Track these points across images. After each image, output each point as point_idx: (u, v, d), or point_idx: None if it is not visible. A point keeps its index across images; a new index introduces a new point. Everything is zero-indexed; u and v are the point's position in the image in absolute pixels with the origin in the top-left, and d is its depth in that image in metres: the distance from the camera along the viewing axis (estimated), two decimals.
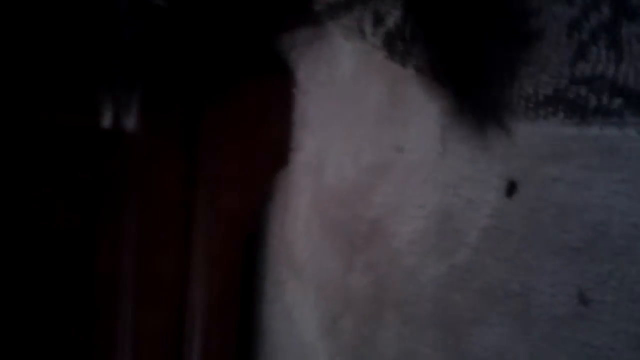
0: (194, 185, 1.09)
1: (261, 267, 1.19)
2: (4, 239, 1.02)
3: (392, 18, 0.81)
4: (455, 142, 0.77)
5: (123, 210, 1.05)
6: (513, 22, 0.66)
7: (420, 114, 0.84)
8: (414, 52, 0.79)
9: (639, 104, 0.54)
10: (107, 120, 0.98)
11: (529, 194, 0.66)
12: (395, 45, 0.81)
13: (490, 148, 0.70)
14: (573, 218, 0.61)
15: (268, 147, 1.15)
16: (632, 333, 0.55)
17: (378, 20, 0.83)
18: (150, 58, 1.00)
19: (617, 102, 0.56)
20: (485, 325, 0.71)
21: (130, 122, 0.99)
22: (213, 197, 1.10)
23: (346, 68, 1.01)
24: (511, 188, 0.68)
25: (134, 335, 1.05)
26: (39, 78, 1.01)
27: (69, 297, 1.08)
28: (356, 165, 0.97)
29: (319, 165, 1.04)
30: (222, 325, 1.12)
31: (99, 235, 1.06)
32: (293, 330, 1.09)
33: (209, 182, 1.11)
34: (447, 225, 0.78)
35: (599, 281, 0.58)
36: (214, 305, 1.11)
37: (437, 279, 0.79)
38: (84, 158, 1.07)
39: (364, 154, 0.96)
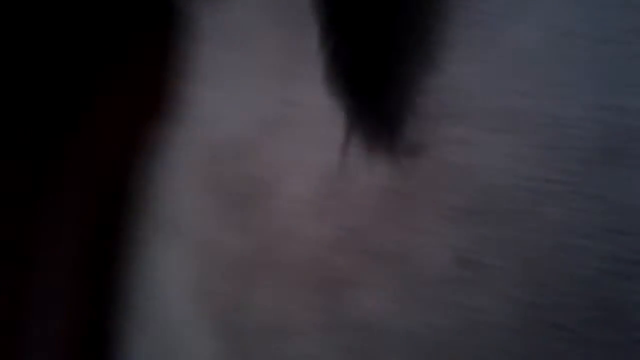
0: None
1: (129, 226, 1.08)
2: None
3: None
4: None
5: None
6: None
7: (316, 68, 0.79)
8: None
9: None
10: None
11: (424, 154, 0.64)
12: None
13: None
14: (467, 180, 0.60)
15: (154, 100, 1.05)
16: (515, 297, 0.55)
17: None
18: None
19: None
20: (366, 288, 0.69)
21: None
22: (84, 151, 0.97)
23: (245, 17, 0.93)
24: (409, 149, 0.66)
25: None
26: None
27: None
28: (248, 120, 0.90)
29: (208, 120, 0.96)
30: (76, 286, 1.00)
31: None
32: (158, 293, 1.00)
33: (83, 137, 0.98)
34: (335, 185, 0.74)
35: (485, 245, 0.58)
36: (67, 266, 0.99)
37: (320, 240, 0.75)
38: None
39: (256, 109, 0.89)
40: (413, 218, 0.65)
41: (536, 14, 0.56)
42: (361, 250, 0.70)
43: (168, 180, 1.01)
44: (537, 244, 0.54)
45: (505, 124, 0.57)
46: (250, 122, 0.89)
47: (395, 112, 0.67)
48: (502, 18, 0.59)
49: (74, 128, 0.98)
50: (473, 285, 0.58)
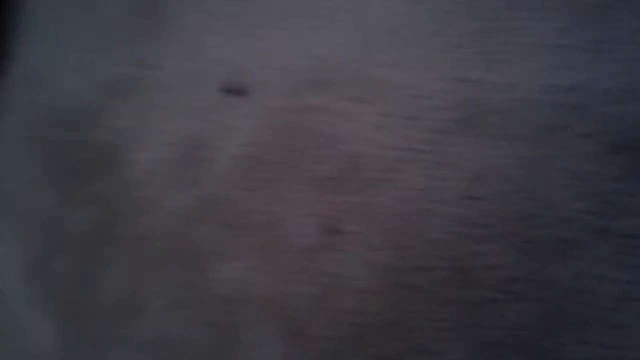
0: None
1: None
2: None
3: None
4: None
5: None
6: None
7: (172, 26, 0.74)
8: None
9: None
10: None
11: (288, 121, 0.63)
12: None
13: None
14: (331, 149, 0.60)
15: None
16: (375, 262, 0.56)
17: None
18: None
19: None
20: (228, 259, 0.67)
21: None
22: None
23: None
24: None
25: None
26: None
27: None
28: (89, 82, 0.82)
29: (40, 79, 0.85)
30: None
31: None
32: None
33: None
34: (193, 153, 0.71)
35: (349, 211, 0.59)
36: None
37: (178, 211, 0.71)
38: None
39: (95, 70, 0.81)
40: (278, 188, 0.64)
41: None
42: (224, 222, 0.67)
43: (1, 150, 0.89)
44: (396, 210, 0.56)
45: (369, 94, 0.58)
46: (96, 84, 0.81)
47: None
48: None
49: None
50: (336, 252, 0.59)
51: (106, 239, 0.78)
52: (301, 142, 0.62)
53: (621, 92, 0.45)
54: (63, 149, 0.84)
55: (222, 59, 0.69)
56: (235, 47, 0.68)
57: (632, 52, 0.45)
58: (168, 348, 0.68)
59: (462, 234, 0.52)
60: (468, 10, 0.54)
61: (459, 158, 0.53)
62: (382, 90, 0.58)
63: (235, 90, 0.68)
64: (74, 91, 0.84)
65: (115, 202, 0.78)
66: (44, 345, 0.79)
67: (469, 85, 0.53)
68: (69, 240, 0.81)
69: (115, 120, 0.79)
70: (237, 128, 0.67)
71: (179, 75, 0.73)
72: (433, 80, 0.55)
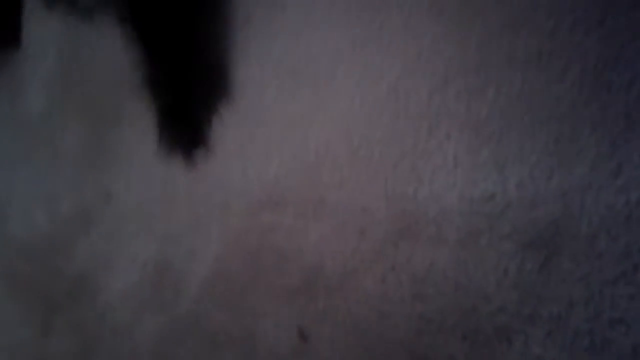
0: None
1: None
2: None
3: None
4: (175, 191, 0.76)
5: None
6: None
7: (132, 158, 0.81)
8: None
9: None
10: None
11: (249, 241, 0.70)
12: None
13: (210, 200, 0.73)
14: (291, 262, 0.67)
15: None
16: None
17: None
18: None
19: None
20: None
21: None
22: None
23: (35, 103, 0.90)
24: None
25: None
26: None
27: None
28: (52, 214, 0.87)
29: (8, 213, 0.90)
30: None
31: None
32: None
33: None
34: (165, 276, 0.77)
35: (316, 318, 0.66)
36: None
37: (156, 333, 0.76)
38: None
39: (63, 202, 0.86)
40: (249, 302, 0.70)
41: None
42: (200, 339, 0.73)
43: None
44: (358, 314, 0.63)
45: (319, 212, 0.67)
46: (59, 216, 0.87)
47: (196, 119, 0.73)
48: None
49: None
50: (307, 357, 0.66)
51: None
52: (263, 258, 0.70)
53: (529, 199, 0.55)
54: (34, 281, 0.88)
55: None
56: None
57: (531, 166, 0.55)
58: None
59: (419, 329, 0.60)
60: (395, 136, 0.64)
61: (407, 263, 0.61)
62: (332, 207, 0.66)
63: None
64: (38, 224, 0.89)
65: (93, 328, 0.82)
66: None
67: (407, 199, 0.62)
68: None
69: (84, 250, 0.84)
70: (204, 250, 0.74)
71: (144, 203, 0.80)
72: (376, 197, 0.64)
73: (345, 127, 0.67)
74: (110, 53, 0.82)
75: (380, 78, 0.64)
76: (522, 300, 0.55)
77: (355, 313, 0.63)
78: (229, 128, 0.74)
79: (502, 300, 0.56)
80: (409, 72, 0.63)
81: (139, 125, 0.80)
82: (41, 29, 0.90)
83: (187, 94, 0.74)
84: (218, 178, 0.75)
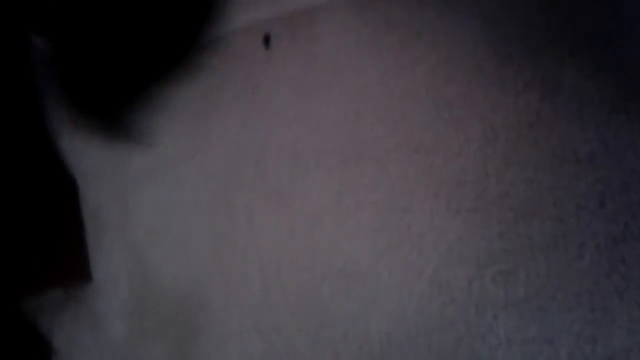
0: None
1: None
2: None
3: None
4: None
5: None
6: None
7: None
8: None
9: None
10: None
11: None
12: None
13: None
14: None
15: None
16: None
17: None
18: None
19: None
20: None
21: None
22: None
23: (117, 330, 1.00)
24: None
25: None
26: None
27: None
28: None
29: None
30: None
31: None
32: None
33: None
34: None
35: None
36: None
37: None
38: None
39: None
40: None
41: None
42: None
43: None
44: None
45: None
46: None
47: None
48: None
49: None
50: None
51: None
52: None
53: None
54: None
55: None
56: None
57: (576, 336, 0.62)
58: None
59: None
60: (447, 322, 0.72)
61: None
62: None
63: None
64: None
65: None
66: None
67: None
68: None
69: None
70: None
71: None
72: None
73: (401, 318, 0.75)
74: None
75: (421, 273, 0.73)
76: None
77: None
78: None
79: None
80: (445, 265, 0.71)
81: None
82: (109, 263, 1.02)
83: None
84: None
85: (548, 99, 0.65)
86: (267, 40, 0.85)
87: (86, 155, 1.07)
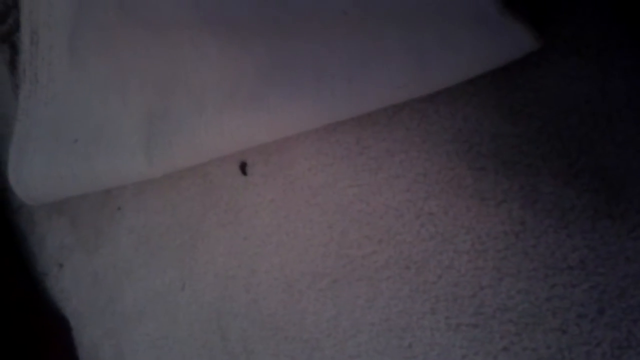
0: None
1: None
2: None
3: None
4: None
5: None
6: None
7: None
8: None
9: None
10: None
11: None
12: None
13: None
14: None
15: None
16: None
17: None
18: None
19: None
20: None
21: None
22: None
23: None
24: None
25: None
26: None
27: None
28: None
29: None
30: None
31: None
32: None
33: None
34: None
35: None
36: None
37: None
38: None
39: None
40: None
41: None
42: None
43: None
44: None
45: None
46: None
47: None
48: None
49: None
50: None
51: None
52: None
53: None
54: None
55: None
56: None
57: None
58: None
59: None
60: None
61: None
62: None
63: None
64: None
65: None
66: None
67: None
68: None
69: None
70: None
71: None
72: None
73: None
74: None
75: None
76: None
77: None
78: None
79: None
80: None
81: None
82: None
83: None
84: None
85: (529, 208, 0.65)
86: (243, 167, 0.86)
87: (75, 294, 1.05)
